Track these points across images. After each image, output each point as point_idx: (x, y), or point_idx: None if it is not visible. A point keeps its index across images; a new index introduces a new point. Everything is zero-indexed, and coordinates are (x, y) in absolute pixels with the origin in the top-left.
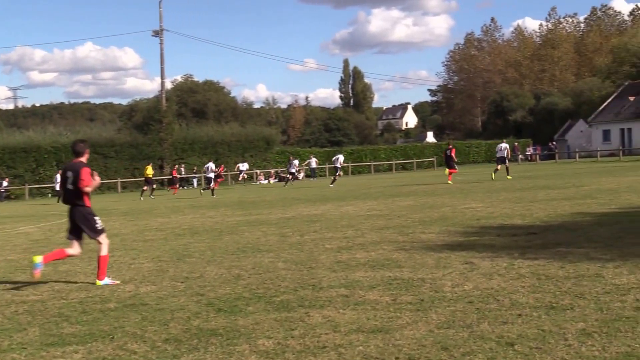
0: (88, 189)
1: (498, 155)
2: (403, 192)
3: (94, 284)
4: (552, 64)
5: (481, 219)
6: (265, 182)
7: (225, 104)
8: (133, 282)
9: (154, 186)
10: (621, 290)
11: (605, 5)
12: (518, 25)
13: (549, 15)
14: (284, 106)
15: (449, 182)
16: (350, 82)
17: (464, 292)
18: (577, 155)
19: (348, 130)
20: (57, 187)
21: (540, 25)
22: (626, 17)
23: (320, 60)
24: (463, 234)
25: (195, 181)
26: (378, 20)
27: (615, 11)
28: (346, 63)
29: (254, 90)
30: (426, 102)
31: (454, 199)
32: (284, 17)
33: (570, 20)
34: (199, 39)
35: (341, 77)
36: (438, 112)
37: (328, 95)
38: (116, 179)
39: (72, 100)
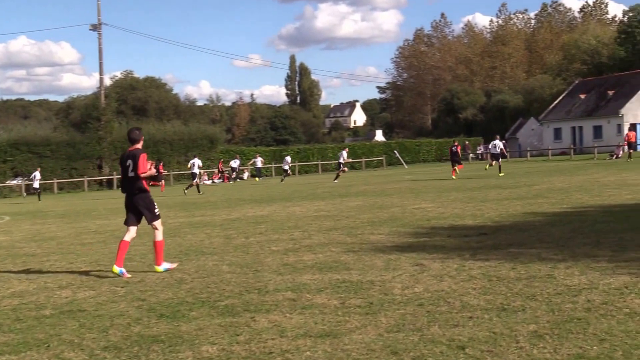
0: (144, 175)
1: (492, 152)
2: (352, 192)
3: (109, 275)
4: (503, 60)
5: (432, 219)
6: (209, 182)
7: (167, 101)
8: (70, 288)
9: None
10: (572, 291)
11: (556, 2)
12: (468, 21)
13: (500, 11)
14: (228, 103)
15: (453, 177)
16: (297, 78)
17: (414, 294)
18: (529, 153)
19: (295, 129)
20: (36, 185)
21: (491, 21)
22: (576, 14)
23: (265, 56)
24: (413, 235)
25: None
26: (325, 15)
27: (565, 7)
28: (292, 59)
29: (197, 87)
30: (375, 99)
31: (404, 199)
32: (229, 12)
33: (521, 16)
34: (139, 33)
35: (287, 73)
36: (387, 110)
37: (274, 92)
38: (52, 179)
39: (5, 97)
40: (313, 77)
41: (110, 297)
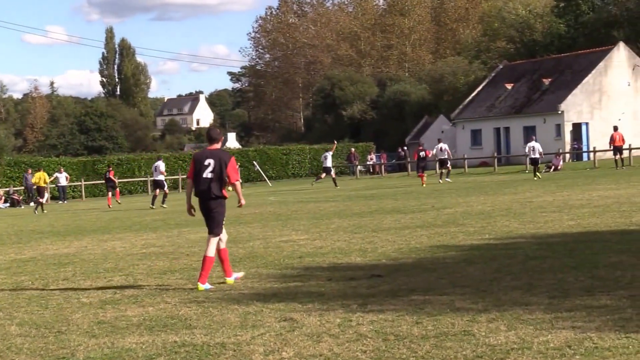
0: (235, 186)
1: (532, 156)
2: (194, 220)
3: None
4: (402, 37)
5: (305, 256)
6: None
7: None
8: None
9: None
10: (498, 353)
11: None
12: None
13: None
14: (17, 96)
15: (423, 185)
16: (116, 60)
17: None
18: (437, 164)
19: (113, 131)
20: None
21: None
22: None
23: (71, 30)
24: (280, 279)
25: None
26: None
27: None
28: (110, 33)
29: None
30: (226, 90)
31: (267, 228)
32: None
33: None
34: None
35: (103, 53)
36: (243, 105)
37: (83, 79)
38: None
39: None
40: (139, 58)
41: None
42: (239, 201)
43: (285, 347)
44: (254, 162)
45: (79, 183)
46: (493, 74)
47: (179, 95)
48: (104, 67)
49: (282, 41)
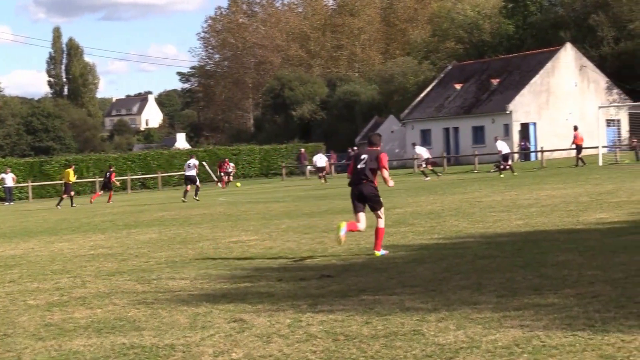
0: (385, 177)
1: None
2: (143, 221)
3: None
4: (352, 37)
5: (255, 257)
6: None
7: None
8: None
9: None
10: (447, 352)
11: None
12: None
13: None
14: None
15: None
16: (64, 60)
17: None
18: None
19: (61, 132)
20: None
21: None
22: None
23: (17, 29)
24: (230, 280)
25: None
26: None
27: None
28: (57, 33)
29: None
30: (175, 90)
31: (216, 229)
32: None
33: None
34: None
35: (50, 53)
36: (192, 106)
37: (30, 79)
38: None
39: None
40: (87, 58)
41: None
42: (387, 183)
43: (235, 348)
44: (203, 163)
45: (26, 184)
46: (442, 75)
47: (128, 96)
48: (52, 67)
49: (231, 41)
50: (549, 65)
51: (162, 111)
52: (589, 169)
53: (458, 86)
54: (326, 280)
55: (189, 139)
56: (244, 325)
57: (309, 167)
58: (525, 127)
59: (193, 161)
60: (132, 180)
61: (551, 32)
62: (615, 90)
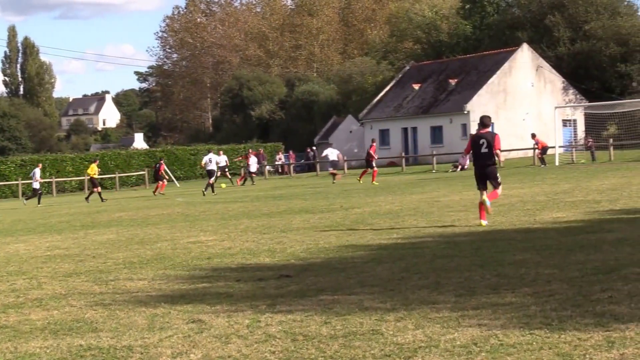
0: (497, 154)
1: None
2: (100, 222)
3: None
4: (310, 37)
5: (214, 257)
6: None
7: None
8: None
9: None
10: (405, 352)
11: None
12: None
13: None
14: None
15: (375, 183)
16: (19, 59)
17: None
18: (346, 164)
19: (17, 132)
20: (36, 185)
21: None
22: None
23: None
24: (188, 280)
25: None
26: None
27: None
28: (12, 32)
29: None
30: (133, 90)
31: (175, 229)
32: None
33: None
34: None
35: (5, 52)
36: (150, 106)
37: None
38: None
39: None
40: (43, 57)
41: None
42: (499, 163)
43: (194, 349)
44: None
45: None
46: (400, 75)
47: (85, 95)
48: (7, 66)
49: (189, 41)
50: (506, 65)
51: (120, 111)
52: (546, 169)
53: (416, 86)
54: (285, 281)
55: (147, 139)
56: (203, 326)
57: (268, 167)
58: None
59: (211, 156)
60: (87, 180)
61: (508, 32)
62: (571, 91)
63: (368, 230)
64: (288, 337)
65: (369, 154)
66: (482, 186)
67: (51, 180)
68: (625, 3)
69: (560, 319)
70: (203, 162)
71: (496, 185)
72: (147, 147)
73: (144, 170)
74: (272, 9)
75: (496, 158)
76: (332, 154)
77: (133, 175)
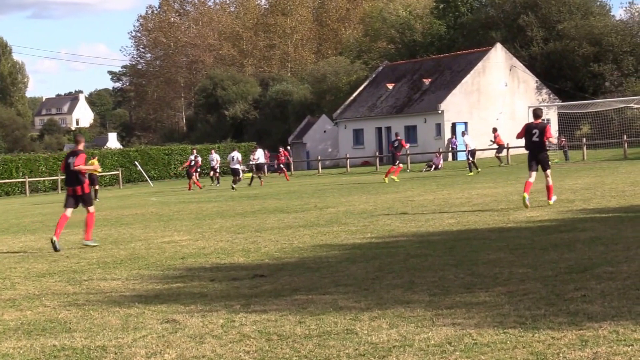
0: (550, 141)
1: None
2: (74, 221)
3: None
4: (284, 37)
5: (188, 257)
6: None
7: None
8: None
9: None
10: (380, 351)
11: None
12: None
13: None
14: None
15: (394, 178)
16: None
17: None
18: (320, 164)
19: None
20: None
21: None
22: None
23: None
24: (162, 280)
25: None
26: None
27: None
28: None
29: None
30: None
31: (149, 229)
32: None
33: None
34: None
35: None
36: (124, 105)
37: None
38: None
39: None
40: (16, 57)
41: None
42: (550, 145)
43: (168, 349)
44: (135, 162)
45: None
46: (374, 74)
47: (58, 95)
48: None
49: (163, 40)
50: (479, 65)
51: (93, 110)
52: (519, 169)
53: (390, 86)
54: (259, 280)
55: (121, 138)
56: (177, 326)
57: (242, 167)
58: (455, 127)
59: (236, 154)
60: (61, 180)
61: (482, 32)
62: (544, 90)
63: (342, 230)
64: (262, 336)
65: (399, 147)
66: (533, 168)
67: (24, 180)
68: (598, 3)
69: (534, 318)
70: (227, 160)
71: (547, 167)
72: (121, 146)
73: (117, 170)
74: (246, 9)
75: (547, 143)
76: (262, 156)
77: (106, 175)
